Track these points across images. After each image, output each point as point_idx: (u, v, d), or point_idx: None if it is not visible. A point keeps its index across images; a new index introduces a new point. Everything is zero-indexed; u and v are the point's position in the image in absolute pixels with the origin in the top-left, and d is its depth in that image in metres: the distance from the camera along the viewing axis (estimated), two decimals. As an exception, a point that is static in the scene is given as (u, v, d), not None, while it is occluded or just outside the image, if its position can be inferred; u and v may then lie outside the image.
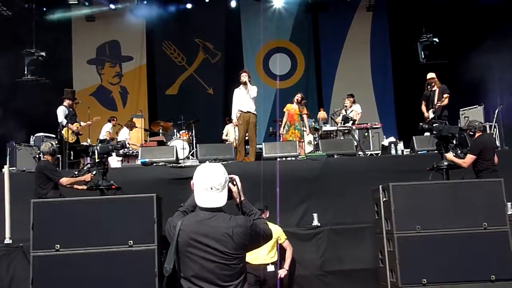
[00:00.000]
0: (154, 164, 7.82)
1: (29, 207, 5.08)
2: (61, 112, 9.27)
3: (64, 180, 6.31)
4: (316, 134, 10.70)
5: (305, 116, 9.92)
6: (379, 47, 15.46)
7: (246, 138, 9.10)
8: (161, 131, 11.86)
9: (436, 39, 12.51)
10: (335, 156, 8.24)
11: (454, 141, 6.24)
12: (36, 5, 13.19)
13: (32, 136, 9.74)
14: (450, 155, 6.04)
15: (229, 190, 2.73)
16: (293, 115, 9.70)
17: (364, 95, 14.21)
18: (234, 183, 2.76)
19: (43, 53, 12.44)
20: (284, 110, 9.92)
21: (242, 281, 2.65)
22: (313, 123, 11.39)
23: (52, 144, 6.82)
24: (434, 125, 6.12)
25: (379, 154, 9.71)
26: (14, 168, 8.56)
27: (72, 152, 9.16)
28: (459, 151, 6.22)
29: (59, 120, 9.24)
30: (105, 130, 11.15)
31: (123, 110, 14.95)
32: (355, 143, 9.11)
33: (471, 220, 5.25)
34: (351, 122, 10.21)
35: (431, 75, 9.50)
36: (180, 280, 2.65)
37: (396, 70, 15.15)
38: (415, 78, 11.70)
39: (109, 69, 15.49)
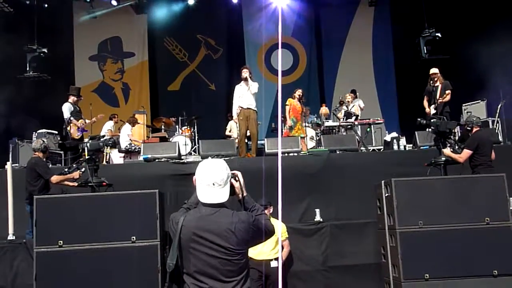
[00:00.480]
0: (157, 160, 7.83)
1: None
2: (67, 109, 9.28)
3: (54, 178, 6.35)
4: (318, 130, 10.69)
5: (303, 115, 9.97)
6: (381, 42, 15.41)
7: (248, 134, 9.11)
8: (163, 127, 11.87)
9: (439, 34, 12.46)
10: (337, 152, 8.24)
11: (452, 137, 6.24)
12: (38, 1, 13.18)
13: (34, 132, 9.76)
14: (447, 151, 6.06)
15: (232, 186, 2.73)
16: (299, 111, 9.72)
17: (366, 90, 14.20)
18: (237, 178, 2.76)
19: (45, 50, 12.45)
20: (288, 103, 9.87)
21: (245, 277, 2.66)
22: (315, 118, 11.39)
23: (43, 141, 6.83)
24: (432, 120, 6.10)
25: (381, 150, 9.70)
26: (16, 164, 8.60)
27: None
28: (456, 147, 6.23)
29: (65, 117, 9.23)
30: (107, 128, 11.15)
31: (125, 107, 14.97)
32: (357, 139, 9.10)
33: (474, 215, 5.25)
34: (354, 117, 10.19)
35: (434, 70, 9.46)
36: (183, 276, 2.65)
37: (398, 65, 15.11)
38: (418, 73, 11.68)
39: (111, 65, 15.51)
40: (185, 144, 10.01)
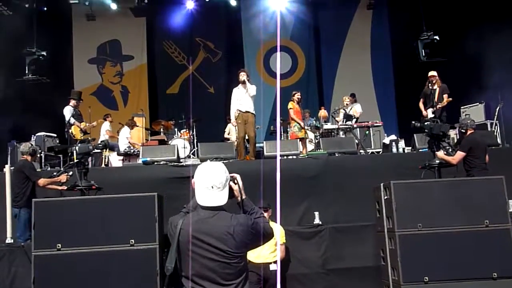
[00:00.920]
0: (155, 163, 7.82)
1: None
2: (68, 112, 9.32)
3: (42, 181, 6.38)
4: (317, 133, 10.70)
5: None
6: (380, 45, 15.45)
7: (247, 137, 9.11)
8: (162, 130, 11.87)
9: (437, 37, 12.50)
10: (336, 155, 8.23)
11: (447, 140, 6.25)
12: (37, 4, 13.19)
13: (33, 135, 9.76)
14: (440, 153, 6.08)
15: (230, 189, 2.73)
16: (300, 113, 9.85)
17: (365, 93, 14.24)
18: (235, 181, 2.76)
19: (44, 53, 12.45)
20: (291, 106, 9.95)
21: (243, 280, 2.65)
22: (314, 121, 11.40)
23: (31, 145, 6.85)
24: (426, 123, 6.11)
25: (380, 152, 9.71)
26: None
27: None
28: (450, 150, 6.23)
29: (67, 119, 9.26)
30: (105, 129, 11.15)
31: (124, 110, 14.98)
32: (356, 141, 9.10)
33: (473, 217, 5.24)
34: (354, 120, 10.20)
35: (432, 73, 9.48)
36: (181, 279, 2.65)
37: (396, 68, 15.15)
38: (416, 76, 11.68)
39: (110, 68, 15.52)
40: (184, 147, 10.02)
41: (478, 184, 5.53)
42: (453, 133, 8.85)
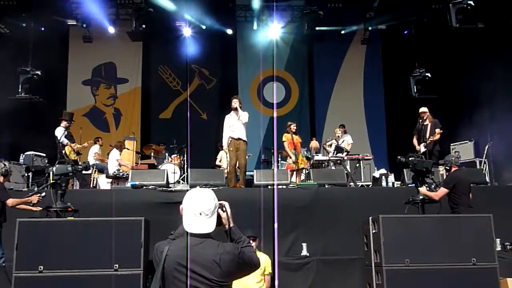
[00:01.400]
0: (144, 187, 7.77)
1: (15, 226, 4.99)
2: (60, 133, 9.30)
3: (10, 201, 6.31)
4: (308, 163, 10.72)
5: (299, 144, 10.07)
6: (372, 79, 15.69)
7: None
8: (152, 155, 11.82)
9: (429, 74, 12.71)
10: (326, 186, 8.24)
11: (431, 175, 6.27)
12: (35, 24, 13.28)
13: (22, 154, 9.67)
14: (423, 189, 6.13)
15: (218, 216, 2.70)
16: (297, 143, 9.85)
17: (356, 126, 14.35)
18: (224, 209, 2.73)
19: (38, 72, 12.46)
20: (284, 139, 10.00)
21: (228, 309, 2.61)
22: (305, 152, 11.42)
23: (4, 165, 6.77)
24: (410, 159, 6.15)
25: (370, 186, 9.73)
26: (1, 186, 8.45)
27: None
28: (433, 186, 6.26)
29: (60, 140, 9.21)
30: (94, 152, 11.07)
31: (116, 132, 14.91)
32: (346, 174, 9.13)
33: (460, 255, 5.24)
34: (345, 153, 10.25)
35: (423, 109, 9.61)
36: (165, 307, 2.59)
37: (388, 103, 15.35)
38: (407, 111, 11.83)
39: (103, 90, 15.53)
40: (174, 172, 9.97)
41: (466, 221, 5.54)
42: (442, 169, 8.90)
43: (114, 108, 15.46)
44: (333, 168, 10.22)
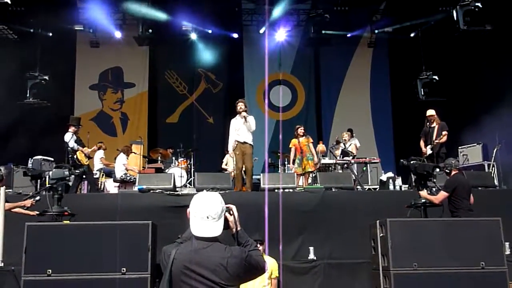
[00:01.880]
0: (151, 191, 7.78)
1: (23, 230, 5.02)
2: (70, 138, 9.29)
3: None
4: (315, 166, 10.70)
5: (311, 144, 10.02)
6: (379, 82, 15.66)
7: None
8: (159, 158, 11.86)
9: (436, 77, 12.67)
10: (333, 190, 8.21)
11: (433, 179, 6.22)
12: (42, 30, 13.40)
13: (30, 158, 9.73)
14: (423, 193, 6.09)
15: (226, 220, 2.70)
16: (302, 147, 9.83)
17: (363, 129, 14.32)
18: (231, 212, 2.73)
19: (46, 77, 12.56)
20: (291, 146, 10.02)
21: (235, 313, 2.61)
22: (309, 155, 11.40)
23: (0, 170, 6.78)
24: (411, 162, 6.11)
25: (377, 189, 9.69)
26: (10, 190, 8.52)
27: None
28: (434, 189, 6.22)
29: (70, 146, 9.19)
30: (99, 157, 11.08)
31: (123, 136, 14.99)
32: (353, 177, 9.10)
33: (469, 259, 5.20)
34: (351, 157, 10.22)
35: (430, 112, 9.56)
36: (172, 310, 2.60)
37: (395, 106, 15.30)
38: (414, 114, 11.79)
39: (111, 95, 15.62)
40: (181, 176, 9.98)
41: (475, 225, 5.50)
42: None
43: (121, 113, 15.54)
44: (340, 171, 10.18)
